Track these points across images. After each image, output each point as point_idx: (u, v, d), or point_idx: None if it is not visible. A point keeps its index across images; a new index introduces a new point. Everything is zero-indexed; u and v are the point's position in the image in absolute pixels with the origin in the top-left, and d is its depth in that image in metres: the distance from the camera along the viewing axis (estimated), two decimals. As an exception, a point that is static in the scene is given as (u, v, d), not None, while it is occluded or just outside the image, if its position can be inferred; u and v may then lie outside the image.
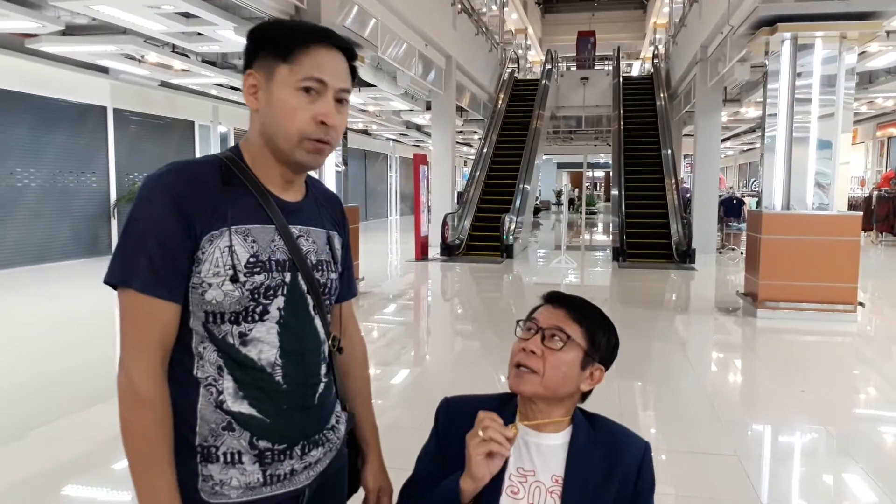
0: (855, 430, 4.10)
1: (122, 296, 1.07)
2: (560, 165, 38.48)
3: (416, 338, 6.81)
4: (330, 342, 1.23)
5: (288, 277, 1.13)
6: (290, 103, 1.09)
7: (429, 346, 6.56)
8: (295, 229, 1.16)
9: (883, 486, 3.17)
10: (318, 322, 1.19)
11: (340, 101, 1.14)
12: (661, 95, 17.07)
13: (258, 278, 1.09)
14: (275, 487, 1.13)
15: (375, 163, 25.21)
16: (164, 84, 12.24)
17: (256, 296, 1.09)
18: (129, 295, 1.06)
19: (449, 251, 12.63)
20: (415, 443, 1.28)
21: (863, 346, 6.54)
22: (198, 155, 14.14)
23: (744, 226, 13.38)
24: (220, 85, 12.31)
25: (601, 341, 1.23)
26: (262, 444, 1.10)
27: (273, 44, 1.11)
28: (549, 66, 18.75)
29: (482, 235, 13.21)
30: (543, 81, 17.83)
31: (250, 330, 1.10)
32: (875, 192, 15.78)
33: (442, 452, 1.27)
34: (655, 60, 20.47)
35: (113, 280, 1.07)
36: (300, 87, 1.09)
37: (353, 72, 1.18)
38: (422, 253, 12.29)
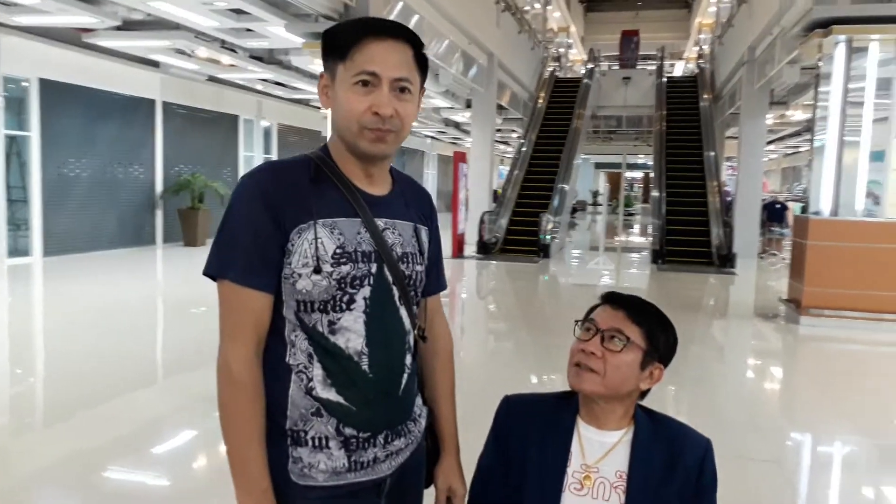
0: (900, 442, 4.02)
1: (220, 286, 1.14)
2: (598, 165, 38.10)
3: (451, 334, 6.84)
4: (416, 332, 1.26)
5: (374, 268, 1.16)
6: (347, 98, 1.13)
7: (462, 343, 6.59)
8: (381, 222, 1.19)
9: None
10: (403, 312, 1.22)
11: (403, 89, 1.15)
12: (705, 97, 16.78)
13: (344, 268, 1.13)
14: (359, 474, 1.17)
15: (413, 160, 25.33)
16: (212, 78, 12.50)
17: (343, 285, 1.14)
18: (225, 285, 1.13)
19: (485, 249, 12.63)
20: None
21: (910, 357, 6.37)
22: (241, 148, 14.42)
23: (787, 231, 13.10)
24: (265, 80, 12.52)
25: (660, 341, 1.24)
26: (348, 430, 1.15)
27: (333, 45, 1.16)
28: (591, 65, 18.59)
29: (519, 234, 13.17)
30: (585, 80, 17.69)
31: (338, 319, 1.14)
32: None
33: (502, 448, 1.32)
34: (700, 61, 20.13)
35: (210, 272, 1.14)
36: (355, 81, 1.12)
37: (422, 60, 1.18)
38: (458, 250, 12.32)
